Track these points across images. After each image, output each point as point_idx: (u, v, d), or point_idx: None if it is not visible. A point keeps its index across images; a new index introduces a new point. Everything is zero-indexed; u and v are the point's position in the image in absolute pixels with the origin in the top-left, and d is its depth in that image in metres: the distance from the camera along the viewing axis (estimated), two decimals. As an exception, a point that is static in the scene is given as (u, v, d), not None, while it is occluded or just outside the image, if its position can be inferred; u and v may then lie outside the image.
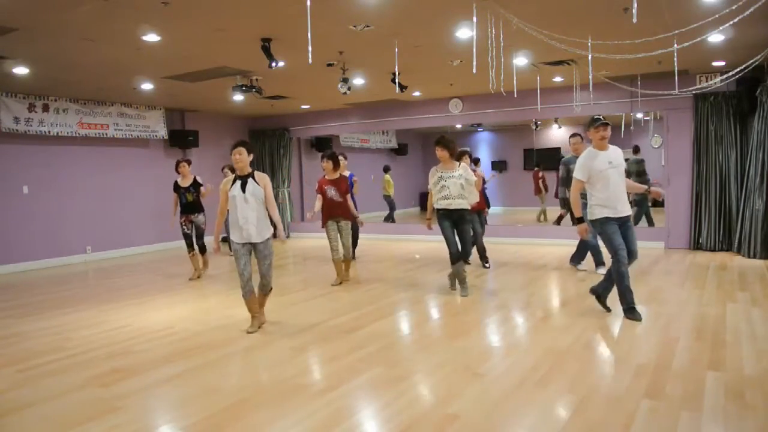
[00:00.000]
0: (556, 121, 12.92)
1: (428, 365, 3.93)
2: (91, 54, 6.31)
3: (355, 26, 5.60)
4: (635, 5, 4.22)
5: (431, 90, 9.86)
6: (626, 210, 4.83)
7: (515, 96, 7.35)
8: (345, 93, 7.42)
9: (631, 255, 4.80)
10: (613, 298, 5.72)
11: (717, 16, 4.71)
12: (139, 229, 10.51)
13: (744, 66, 6.09)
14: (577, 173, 4.84)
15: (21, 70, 7.04)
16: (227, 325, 5.18)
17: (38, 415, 3.31)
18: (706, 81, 8.33)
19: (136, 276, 8.09)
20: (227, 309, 5.78)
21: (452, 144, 5.90)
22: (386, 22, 5.52)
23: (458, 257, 5.91)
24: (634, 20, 4.28)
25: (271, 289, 5.03)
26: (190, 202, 7.52)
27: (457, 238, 5.92)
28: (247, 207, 4.67)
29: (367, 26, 5.61)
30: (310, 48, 4.89)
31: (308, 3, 4.39)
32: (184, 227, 7.55)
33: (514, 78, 7.09)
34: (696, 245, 8.71)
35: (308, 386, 3.62)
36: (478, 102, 10.43)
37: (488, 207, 7.79)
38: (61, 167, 9.41)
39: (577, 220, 4.94)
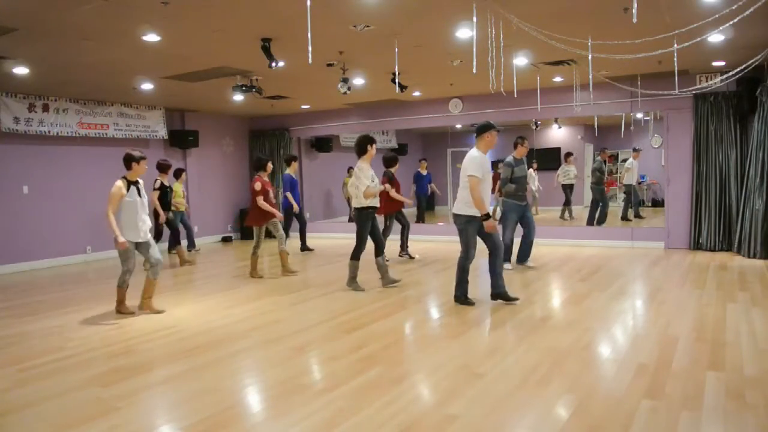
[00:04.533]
0: (556, 121, 12.88)
1: (428, 365, 3.93)
2: (91, 54, 6.31)
3: (355, 26, 5.60)
4: (635, 5, 4.22)
5: (431, 90, 9.86)
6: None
7: (515, 96, 7.34)
8: (345, 93, 7.42)
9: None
10: (611, 296, 5.72)
11: (717, 16, 4.71)
12: (139, 229, 10.49)
13: (744, 66, 6.09)
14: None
15: (21, 70, 7.04)
16: (227, 324, 5.18)
17: (38, 415, 3.31)
18: (706, 81, 8.33)
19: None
20: (227, 309, 5.79)
21: None
22: (386, 22, 5.52)
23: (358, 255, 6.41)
24: (634, 20, 4.27)
25: None
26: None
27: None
28: (143, 210, 5.49)
29: (367, 26, 5.61)
30: (310, 48, 4.88)
31: (308, 3, 4.39)
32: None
33: (514, 78, 7.08)
34: (696, 245, 8.71)
35: (308, 386, 3.63)
36: (478, 102, 10.42)
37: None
38: (61, 167, 9.41)
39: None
